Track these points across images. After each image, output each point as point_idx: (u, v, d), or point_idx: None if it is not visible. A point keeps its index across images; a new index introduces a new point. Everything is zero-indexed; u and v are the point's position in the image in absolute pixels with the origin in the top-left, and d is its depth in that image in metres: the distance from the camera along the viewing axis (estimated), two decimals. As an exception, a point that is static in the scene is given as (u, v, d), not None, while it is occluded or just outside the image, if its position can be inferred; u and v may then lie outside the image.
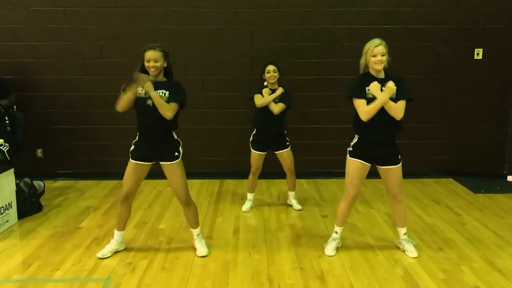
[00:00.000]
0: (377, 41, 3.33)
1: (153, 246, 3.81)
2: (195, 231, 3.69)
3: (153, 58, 3.34)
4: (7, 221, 4.19)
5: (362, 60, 3.41)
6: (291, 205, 4.75)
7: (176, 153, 3.48)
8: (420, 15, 5.52)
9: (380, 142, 3.43)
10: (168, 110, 3.33)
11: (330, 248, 3.66)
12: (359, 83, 3.40)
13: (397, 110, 3.31)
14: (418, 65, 5.58)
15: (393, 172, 3.50)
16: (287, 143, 4.56)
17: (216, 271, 3.37)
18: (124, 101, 3.37)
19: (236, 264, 3.49)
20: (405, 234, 3.68)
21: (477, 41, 5.55)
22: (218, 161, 5.82)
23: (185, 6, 5.50)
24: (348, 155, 3.54)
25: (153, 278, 3.27)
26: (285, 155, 4.56)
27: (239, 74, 5.60)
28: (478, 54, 5.57)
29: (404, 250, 3.65)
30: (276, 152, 4.58)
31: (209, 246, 3.72)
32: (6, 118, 4.52)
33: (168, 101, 3.35)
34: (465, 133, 5.75)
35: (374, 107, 3.30)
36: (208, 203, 4.92)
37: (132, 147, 3.51)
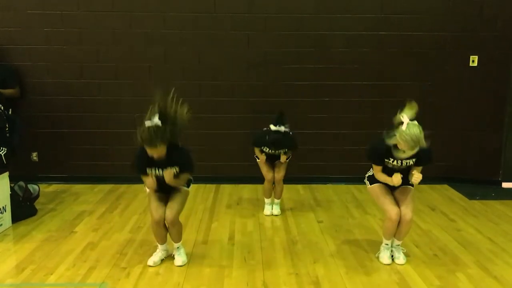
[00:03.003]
0: (412, 144, 3.15)
1: (148, 251, 3.79)
2: (176, 244, 3.61)
3: (156, 153, 3.28)
4: (1, 225, 4.17)
5: (397, 136, 3.20)
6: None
7: (185, 185, 3.58)
8: (415, 21, 5.54)
9: (394, 186, 3.50)
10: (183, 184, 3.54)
11: (385, 257, 3.60)
12: (379, 155, 3.41)
13: (418, 178, 3.36)
14: (413, 72, 5.60)
15: (404, 190, 3.53)
16: (289, 156, 4.60)
17: (211, 277, 3.36)
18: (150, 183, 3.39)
19: (231, 269, 3.48)
20: (398, 245, 3.65)
21: (472, 48, 5.58)
22: (214, 166, 5.80)
23: (182, 11, 5.51)
24: (368, 184, 3.63)
25: (147, 283, 3.25)
26: (281, 166, 4.60)
27: (235, 79, 5.61)
28: (473, 61, 5.60)
29: (392, 256, 3.63)
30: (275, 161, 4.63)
31: (204, 251, 3.71)
32: (7, 124, 4.48)
33: (180, 174, 3.44)
34: (460, 139, 5.77)
35: (384, 179, 3.46)
36: (204, 208, 4.91)
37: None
